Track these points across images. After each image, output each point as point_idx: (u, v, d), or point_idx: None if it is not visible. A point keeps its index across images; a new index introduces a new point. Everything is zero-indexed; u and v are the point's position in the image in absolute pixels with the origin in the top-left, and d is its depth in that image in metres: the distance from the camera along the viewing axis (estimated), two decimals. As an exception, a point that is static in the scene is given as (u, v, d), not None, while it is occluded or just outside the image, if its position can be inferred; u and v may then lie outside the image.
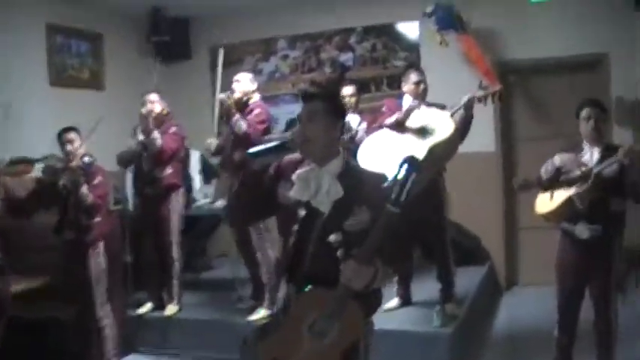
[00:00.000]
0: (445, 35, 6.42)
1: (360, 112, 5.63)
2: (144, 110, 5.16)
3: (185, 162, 6.49)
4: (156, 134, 5.12)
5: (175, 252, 5.41)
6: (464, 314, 4.93)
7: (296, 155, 2.77)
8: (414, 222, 4.88)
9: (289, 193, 2.63)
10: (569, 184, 3.94)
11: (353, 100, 5.56)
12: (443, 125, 4.64)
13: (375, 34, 7.22)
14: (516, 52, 6.60)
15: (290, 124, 7.46)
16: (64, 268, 4.83)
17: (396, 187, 2.28)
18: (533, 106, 6.76)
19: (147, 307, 5.52)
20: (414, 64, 6.56)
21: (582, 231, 3.90)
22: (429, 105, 4.90)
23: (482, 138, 6.43)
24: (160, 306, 5.53)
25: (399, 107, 4.92)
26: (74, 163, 4.56)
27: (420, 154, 4.49)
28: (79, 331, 4.85)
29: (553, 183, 4.02)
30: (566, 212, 3.95)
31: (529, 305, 6.00)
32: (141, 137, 5.23)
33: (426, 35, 6.75)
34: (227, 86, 5.40)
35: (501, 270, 6.76)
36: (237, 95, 5.17)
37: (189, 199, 6.42)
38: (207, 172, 7.04)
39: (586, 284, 4.00)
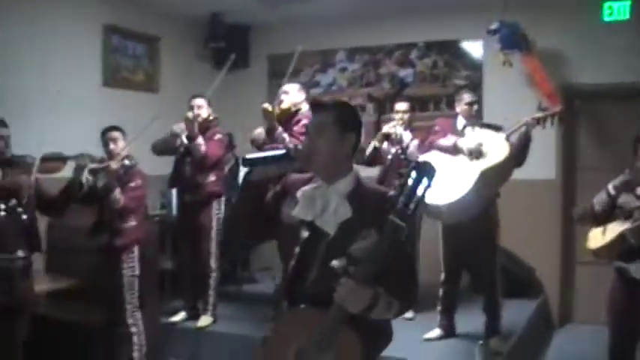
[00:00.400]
0: (509, 55, 6.13)
1: (413, 130, 5.43)
2: (190, 115, 5.04)
3: (235, 171, 6.38)
4: (200, 140, 5.00)
5: (213, 262, 5.25)
6: (509, 351, 4.63)
7: (306, 174, 2.53)
8: (462, 249, 4.74)
9: (293, 212, 2.37)
10: (623, 217, 3.63)
11: (406, 116, 5.40)
12: (497, 148, 4.41)
13: (437, 50, 6.98)
14: (583, 76, 6.25)
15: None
16: (97, 271, 4.73)
17: (404, 196, 2.01)
18: (598, 134, 6.39)
19: (180, 316, 5.38)
20: (476, 84, 6.41)
21: (637, 270, 3.59)
22: (483, 126, 4.66)
23: (542, 164, 6.17)
24: (194, 316, 5.38)
25: (452, 127, 4.72)
26: (113, 165, 4.46)
27: (472, 178, 4.26)
28: (107, 336, 4.74)
29: (607, 215, 3.72)
30: (619, 248, 3.65)
31: (583, 344, 5.60)
32: (184, 140, 5.11)
33: (489, 54, 6.48)
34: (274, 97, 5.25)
35: (555, 305, 6.39)
36: (284, 106, 4.99)
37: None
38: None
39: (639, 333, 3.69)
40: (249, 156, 2.50)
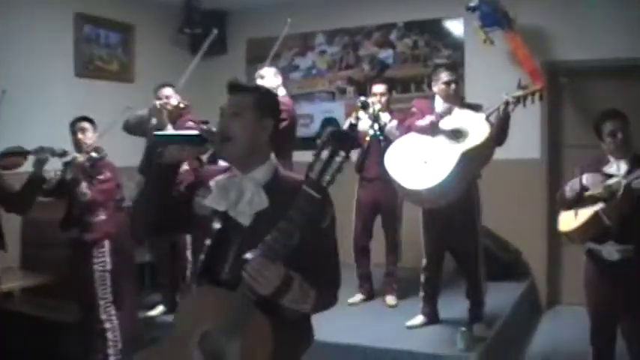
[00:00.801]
0: (490, 33, 5.98)
1: (392, 112, 5.29)
2: (158, 104, 4.88)
3: (212, 158, 6.22)
4: (170, 129, 4.84)
5: (190, 253, 5.11)
6: (494, 336, 4.51)
7: (222, 165, 2.36)
8: (443, 233, 4.62)
9: (205, 202, 2.20)
10: (595, 200, 3.51)
11: (384, 99, 5.24)
12: (477, 128, 4.26)
13: (417, 30, 6.82)
14: (567, 53, 6.11)
15: (326, 123, 7.19)
16: (69, 266, 4.59)
17: (318, 164, 1.89)
18: (583, 111, 6.24)
19: (158, 310, 5.23)
20: (457, 63, 6.26)
21: (611, 252, 3.48)
22: (463, 106, 4.52)
23: (527, 143, 6.09)
24: (173, 309, 5.24)
25: (430, 108, 4.56)
26: (79, 158, 4.32)
27: (453, 161, 4.13)
28: (81, 332, 4.61)
29: (577, 198, 3.60)
30: (593, 230, 3.54)
31: (572, 327, 5.42)
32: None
33: (470, 33, 6.33)
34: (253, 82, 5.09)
35: (542, 287, 6.28)
36: None
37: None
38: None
39: (617, 316, 3.57)
40: (161, 132, 2.31)
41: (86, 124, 4.52)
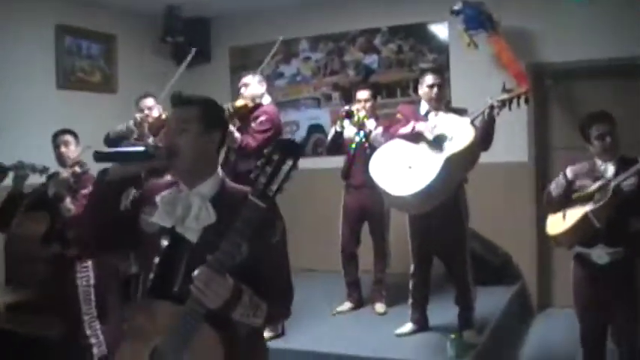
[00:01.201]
0: (474, 36, 5.94)
1: (378, 118, 5.25)
2: (138, 117, 4.81)
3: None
4: (150, 143, 4.77)
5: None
6: (485, 342, 4.46)
7: (167, 179, 2.31)
8: (430, 238, 4.57)
9: (151, 219, 2.14)
10: (583, 200, 3.48)
11: (368, 105, 5.19)
12: (462, 133, 4.21)
13: (401, 34, 6.77)
14: (552, 55, 6.06)
15: (312, 130, 7.14)
16: (51, 281, 4.50)
17: (264, 174, 1.86)
18: (571, 113, 6.20)
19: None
20: (443, 67, 6.22)
21: (601, 255, 3.44)
22: (448, 110, 4.48)
23: (514, 147, 6.05)
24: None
25: (415, 114, 4.53)
26: (63, 173, 4.27)
27: (437, 166, 4.09)
28: (67, 348, 4.52)
29: (564, 200, 3.57)
30: (582, 233, 3.50)
31: (564, 329, 5.37)
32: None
33: (455, 36, 6.28)
34: (237, 91, 5.08)
35: (533, 290, 6.23)
36: (239, 103, 4.78)
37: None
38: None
39: (607, 321, 3.54)
40: (102, 150, 2.23)
41: (69, 137, 4.47)
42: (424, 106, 4.54)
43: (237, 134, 4.62)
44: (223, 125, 2.27)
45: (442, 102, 4.57)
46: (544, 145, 6.35)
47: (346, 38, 7.04)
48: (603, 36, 5.83)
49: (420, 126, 4.27)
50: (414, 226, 4.59)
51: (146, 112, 4.87)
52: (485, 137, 4.31)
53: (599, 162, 3.57)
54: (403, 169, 4.23)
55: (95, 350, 4.44)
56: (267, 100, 5.01)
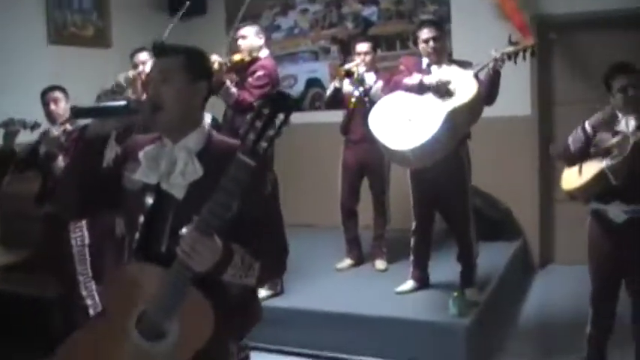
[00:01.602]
0: (477, -15, 5.78)
1: (377, 72, 5.12)
2: (131, 73, 4.65)
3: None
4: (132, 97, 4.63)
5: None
6: (487, 300, 4.41)
7: (151, 134, 2.16)
8: (432, 194, 4.49)
9: (134, 175, 2.03)
10: (601, 155, 3.35)
11: (368, 58, 5.06)
12: (464, 86, 4.09)
13: (401, -16, 6.59)
14: (557, 6, 5.88)
15: (310, 84, 7.00)
16: (46, 242, 4.43)
17: (254, 130, 1.73)
18: (575, 66, 6.06)
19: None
20: (444, 19, 6.06)
21: (617, 213, 3.34)
22: (452, 62, 4.35)
23: (517, 101, 5.90)
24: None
25: (418, 66, 4.39)
26: (54, 131, 4.15)
27: (439, 120, 3.97)
28: (63, 309, 4.47)
29: (583, 154, 3.44)
30: (598, 189, 3.38)
31: (566, 286, 5.38)
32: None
33: (456, -14, 6.13)
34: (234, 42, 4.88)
35: (535, 246, 6.16)
36: (236, 57, 4.63)
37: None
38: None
39: (622, 275, 3.45)
40: (80, 105, 2.11)
41: (58, 94, 4.34)
42: (426, 59, 4.41)
43: (233, 89, 4.48)
44: (209, 76, 2.13)
45: (442, 55, 4.43)
46: (547, 99, 6.21)
47: (345, -11, 6.85)
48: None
49: (428, 79, 4.14)
50: (415, 182, 4.50)
51: (140, 67, 4.71)
52: (489, 91, 4.19)
53: (619, 115, 3.42)
54: (403, 122, 4.11)
55: (91, 311, 4.36)
56: (264, 53, 4.84)
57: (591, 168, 3.38)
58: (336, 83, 5.13)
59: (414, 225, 4.60)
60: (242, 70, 4.69)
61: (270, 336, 3.96)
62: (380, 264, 5.21)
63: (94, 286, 4.38)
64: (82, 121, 4.07)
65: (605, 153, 3.33)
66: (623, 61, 3.50)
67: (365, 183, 5.32)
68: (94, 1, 6.48)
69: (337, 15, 6.92)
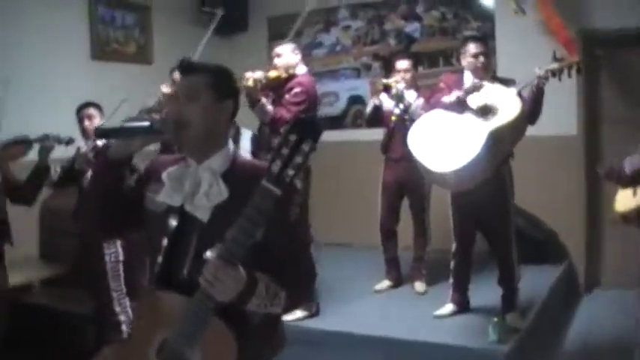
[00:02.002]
0: (521, 1, 5.64)
1: (418, 89, 5.03)
2: (165, 89, 4.64)
3: (236, 140, 6.05)
4: (156, 117, 4.58)
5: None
6: (529, 326, 4.25)
7: (174, 155, 2.13)
8: (473, 216, 4.36)
9: (158, 197, 1.99)
10: None
11: (408, 75, 4.97)
12: (508, 104, 3.98)
13: (444, 1, 6.51)
14: (604, 21, 5.71)
15: (351, 101, 6.95)
16: (82, 257, 4.44)
17: (280, 157, 1.67)
18: (623, 84, 5.89)
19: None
20: (488, 35, 5.96)
21: None
22: (494, 80, 4.24)
23: (563, 119, 5.76)
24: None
25: (459, 83, 4.29)
26: (83, 147, 4.16)
27: (480, 140, 3.86)
28: (97, 324, 4.46)
29: (638, 178, 3.29)
30: None
31: (613, 310, 5.19)
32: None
33: (501, 2, 6.00)
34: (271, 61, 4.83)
35: (581, 269, 5.96)
36: (272, 74, 4.57)
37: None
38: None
39: None
40: (104, 126, 2.08)
41: (93, 110, 4.34)
42: (468, 77, 4.30)
43: (269, 106, 4.42)
44: (235, 94, 2.09)
45: (488, 72, 4.33)
46: (594, 117, 6.04)
47: (387, 6, 6.80)
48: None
49: (463, 93, 4.03)
50: (456, 203, 4.38)
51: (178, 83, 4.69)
52: (532, 110, 4.07)
53: None
54: (443, 143, 4.01)
55: (124, 327, 4.33)
56: (302, 70, 4.77)
57: None
58: (375, 100, 5.06)
59: (454, 247, 4.48)
60: (278, 87, 4.64)
61: (304, 358, 3.87)
62: (419, 286, 5.09)
63: (127, 303, 4.34)
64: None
65: None
66: None
67: (405, 202, 5.22)
68: (136, 18, 6.55)
69: (379, 31, 6.86)
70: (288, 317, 4.43)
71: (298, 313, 4.46)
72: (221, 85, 2.00)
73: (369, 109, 5.15)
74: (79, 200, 4.14)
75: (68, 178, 4.32)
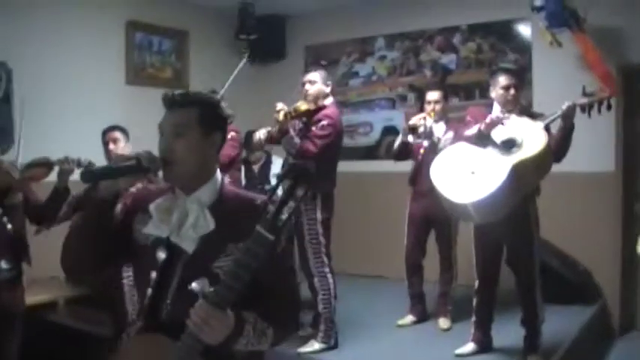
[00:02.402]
0: (558, 34, 5.52)
1: (448, 122, 4.96)
2: None
3: (266, 168, 6.06)
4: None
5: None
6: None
7: (160, 185, 2.12)
8: (496, 253, 4.24)
9: (145, 229, 1.96)
10: None
11: (438, 106, 4.89)
12: (532, 138, 3.87)
13: (481, 33, 6.41)
14: (644, 57, 5.56)
15: (386, 132, 6.88)
16: (102, 280, 4.43)
17: (272, 202, 1.67)
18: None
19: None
20: (524, 68, 5.86)
21: None
22: (522, 113, 4.13)
23: (600, 155, 5.61)
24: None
25: (486, 117, 4.18)
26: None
27: (503, 173, 3.76)
28: (115, 346, 4.45)
29: None
30: None
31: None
32: None
33: (537, 35, 5.88)
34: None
35: (615, 311, 5.71)
36: (302, 107, 4.48)
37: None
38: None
39: None
40: (91, 169, 2.06)
41: (118, 134, 4.38)
42: (496, 109, 4.21)
43: (296, 139, 4.35)
44: (224, 125, 2.05)
45: (517, 105, 4.22)
46: (633, 154, 5.84)
47: (423, 37, 6.74)
48: None
49: (486, 125, 3.94)
50: (479, 238, 4.26)
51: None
52: (560, 145, 3.94)
53: None
54: (466, 175, 3.92)
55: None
56: (329, 100, 4.68)
57: None
58: (402, 137, 4.97)
59: (476, 284, 4.35)
60: (307, 116, 4.58)
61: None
62: (443, 322, 4.96)
63: (144, 326, 4.33)
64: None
65: None
66: None
67: (432, 236, 5.11)
68: (173, 43, 6.65)
69: (415, 62, 6.80)
70: (305, 349, 4.39)
71: (316, 345, 4.39)
72: (209, 118, 1.97)
73: (396, 144, 5.04)
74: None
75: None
